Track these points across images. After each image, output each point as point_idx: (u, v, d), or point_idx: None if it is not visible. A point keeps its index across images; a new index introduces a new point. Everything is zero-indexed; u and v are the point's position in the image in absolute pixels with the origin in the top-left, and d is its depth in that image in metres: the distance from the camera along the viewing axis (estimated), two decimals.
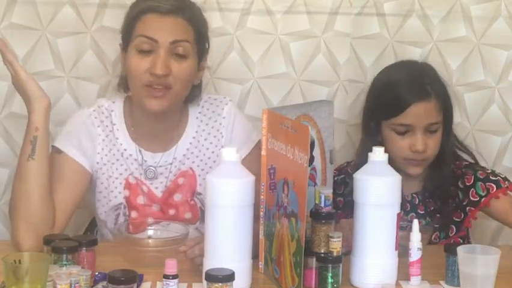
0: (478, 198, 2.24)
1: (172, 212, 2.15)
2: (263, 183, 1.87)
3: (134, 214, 2.14)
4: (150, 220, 2.11)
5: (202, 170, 2.15)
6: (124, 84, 2.13)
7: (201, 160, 2.16)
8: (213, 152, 2.16)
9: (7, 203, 2.45)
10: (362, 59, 2.53)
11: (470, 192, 2.24)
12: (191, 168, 2.15)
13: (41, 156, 1.97)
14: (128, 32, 2.08)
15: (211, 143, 2.17)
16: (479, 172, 2.26)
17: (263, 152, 1.88)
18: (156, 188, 2.15)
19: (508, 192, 2.25)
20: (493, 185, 2.23)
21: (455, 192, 2.25)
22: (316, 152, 1.94)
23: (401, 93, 2.20)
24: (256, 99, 2.53)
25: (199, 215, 2.16)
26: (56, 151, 2.07)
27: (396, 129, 2.20)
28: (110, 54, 2.45)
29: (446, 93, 2.26)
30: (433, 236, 2.25)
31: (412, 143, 2.19)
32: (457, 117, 2.57)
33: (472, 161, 2.36)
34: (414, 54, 2.52)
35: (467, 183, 2.25)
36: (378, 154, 1.82)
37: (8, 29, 2.42)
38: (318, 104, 2.00)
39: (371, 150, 1.87)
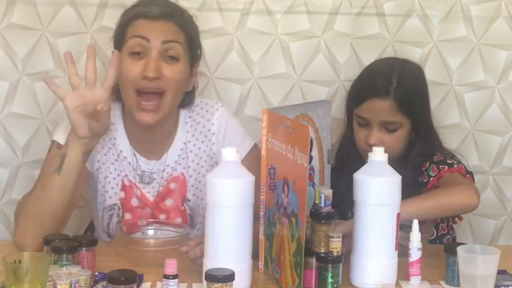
0: (427, 179, 2.19)
1: (162, 217, 2.15)
2: (263, 183, 1.87)
3: (128, 216, 2.14)
4: (142, 222, 2.11)
5: (191, 176, 2.15)
6: (116, 92, 2.09)
7: (189, 166, 2.15)
8: (201, 158, 2.15)
9: (7, 203, 2.46)
10: (362, 59, 2.52)
11: (422, 175, 2.21)
12: (182, 173, 2.15)
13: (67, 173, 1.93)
14: (120, 38, 2.08)
15: (199, 149, 2.15)
16: (436, 156, 2.23)
17: (263, 152, 1.88)
18: (148, 192, 2.14)
19: (457, 172, 2.18)
20: (445, 166, 2.19)
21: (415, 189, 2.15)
22: (315, 152, 1.94)
23: (363, 87, 2.27)
24: (256, 99, 2.53)
25: (188, 221, 2.16)
26: (57, 147, 2.03)
27: (358, 120, 2.25)
28: (110, 54, 2.44)
29: (415, 97, 2.23)
30: None
31: (367, 136, 2.22)
32: (457, 117, 2.57)
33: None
34: (415, 54, 2.52)
35: (423, 169, 2.22)
36: (378, 154, 1.82)
37: (8, 29, 2.42)
38: (316, 104, 2.00)
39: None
